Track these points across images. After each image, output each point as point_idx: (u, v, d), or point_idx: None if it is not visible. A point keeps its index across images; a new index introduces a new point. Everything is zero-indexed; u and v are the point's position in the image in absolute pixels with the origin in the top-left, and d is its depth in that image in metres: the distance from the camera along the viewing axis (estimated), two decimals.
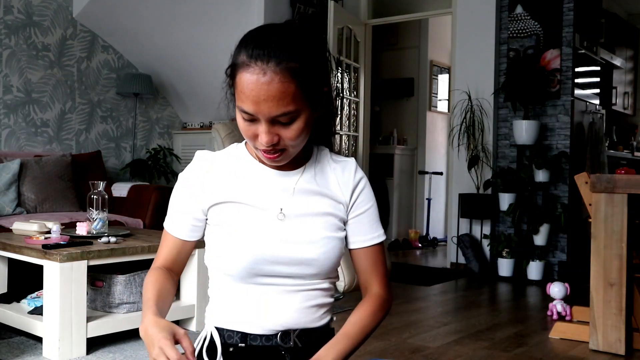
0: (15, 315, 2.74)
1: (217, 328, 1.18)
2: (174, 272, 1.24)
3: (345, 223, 1.22)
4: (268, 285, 1.14)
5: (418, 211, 7.13)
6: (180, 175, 1.23)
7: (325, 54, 1.14)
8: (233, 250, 1.14)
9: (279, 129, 1.08)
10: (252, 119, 1.08)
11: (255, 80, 1.04)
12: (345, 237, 1.23)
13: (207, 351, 1.17)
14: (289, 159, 1.14)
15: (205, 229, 1.22)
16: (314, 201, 1.18)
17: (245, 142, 1.25)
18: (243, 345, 1.15)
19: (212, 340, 1.18)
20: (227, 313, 1.17)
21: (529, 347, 2.89)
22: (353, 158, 1.27)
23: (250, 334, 1.15)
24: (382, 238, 1.25)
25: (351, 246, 1.23)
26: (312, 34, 1.12)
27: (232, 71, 1.09)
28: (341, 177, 1.22)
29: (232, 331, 1.16)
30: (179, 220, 1.21)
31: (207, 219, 1.20)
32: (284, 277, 1.14)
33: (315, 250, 1.15)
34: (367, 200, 1.23)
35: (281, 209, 1.16)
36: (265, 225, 1.15)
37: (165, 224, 1.24)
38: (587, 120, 5.10)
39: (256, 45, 1.05)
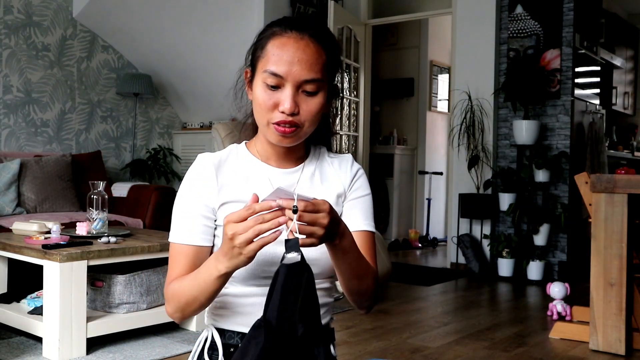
0: (15, 315, 2.74)
1: (217, 329, 1.18)
2: None
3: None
4: (266, 286, 1.14)
5: (418, 211, 7.13)
6: (184, 180, 1.19)
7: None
8: None
9: (301, 100, 1.11)
10: (278, 85, 1.10)
11: (292, 43, 1.09)
12: None
13: (208, 352, 1.17)
14: (299, 140, 1.15)
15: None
16: (316, 197, 1.18)
17: (245, 142, 1.25)
18: None
19: (213, 340, 1.18)
20: (227, 314, 1.17)
21: (529, 347, 2.89)
22: (350, 154, 1.29)
23: None
24: (374, 229, 1.24)
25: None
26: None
27: (260, 43, 1.13)
28: (339, 170, 1.24)
29: (233, 332, 1.16)
30: (190, 225, 1.15)
31: (215, 220, 1.17)
32: None
33: (316, 250, 1.14)
34: (363, 188, 1.25)
35: None
36: None
37: (172, 238, 1.16)
38: (587, 120, 5.10)
39: (290, 19, 1.13)
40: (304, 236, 0.97)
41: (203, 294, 1.07)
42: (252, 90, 1.15)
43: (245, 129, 1.27)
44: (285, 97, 1.09)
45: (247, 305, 1.15)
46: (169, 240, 1.17)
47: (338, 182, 1.23)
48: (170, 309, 1.13)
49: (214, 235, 1.18)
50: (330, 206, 0.99)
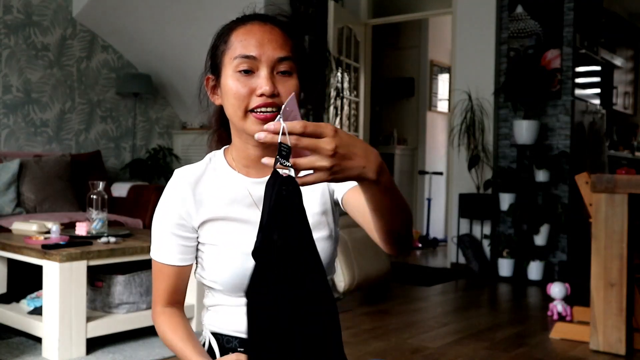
0: (15, 315, 2.73)
1: (216, 333, 1.17)
2: (179, 303, 1.18)
3: (334, 204, 1.17)
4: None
5: (418, 211, 7.12)
6: (162, 198, 1.15)
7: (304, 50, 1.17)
8: (221, 269, 1.11)
9: (278, 82, 1.06)
10: (251, 69, 1.06)
11: (258, 27, 1.08)
12: (338, 210, 1.17)
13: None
14: None
15: (196, 248, 1.16)
16: None
17: (224, 149, 1.20)
18: (242, 349, 1.14)
19: (210, 345, 1.17)
20: (224, 321, 1.16)
21: (529, 347, 2.89)
22: None
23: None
24: None
25: (344, 194, 1.13)
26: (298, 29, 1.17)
27: (222, 39, 1.11)
28: None
29: (231, 336, 1.15)
30: (168, 246, 1.13)
31: (197, 237, 1.14)
32: None
33: None
34: None
35: None
36: (246, 239, 1.11)
37: (152, 254, 1.16)
38: (588, 120, 5.09)
39: (249, 14, 1.11)
40: (310, 171, 0.80)
41: None
42: (221, 90, 1.11)
43: (214, 140, 1.23)
44: (262, 79, 1.05)
45: (242, 312, 1.13)
46: (150, 255, 1.17)
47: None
48: (156, 329, 1.18)
49: (197, 250, 1.16)
50: (337, 130, 0.81)
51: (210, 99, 1.16)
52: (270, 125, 0.79)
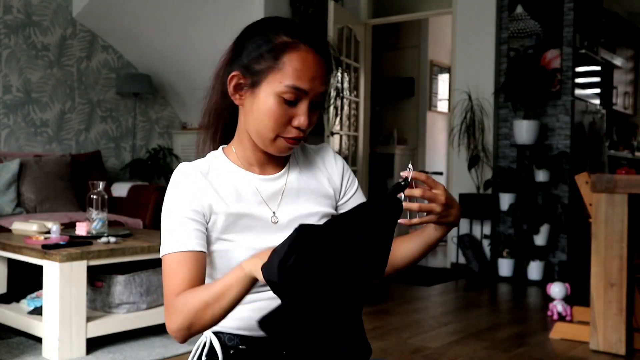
0: (15, 315, 2.73)
1: (217, 332, 1.16)
2: None
3: (337, 209, 1.23)
4: (267, 291, 1.12)
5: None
6: (170, 190, 1.12)
7: None
8: (227, 265, 1.11)
9: (311, 113, 1.11)
10: (296, 101, 1.08)
11: (311, 58, 1.08)
12: None
13: (207, 354, 1.15)
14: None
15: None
16: (303, 201, 1.17)
17: (223, 148, 1.20)
18: (244, 347, 1.14)
19: (212, 345, 1.16)
20: (227, 319, 1.15)
21: (529, 347, 2.89)
22: (326, 144, 1.29)
23: (251, 337, 1.14)
24: None
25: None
26: None
27: (272, 53, 1.08)
28: (323, 166, 1.23)
29: (233, 334, 1.15)
30: (184, 232, 1.07)
31: (207, 228, 1.12)
32: None
33: None
34: (353, 179, 1.28)
35: (274, 213, 1.14)
36: (257, 235, 1.11)
37: (165, 250, 1.08)
38: (588, 120, 5.10)
39: (301, 29, 1.11)
40: (424, 214, 1.12)
41: (226, 297, 0.98)
42: (253, 100, 1.10)
43: (215, 139, 1.22)
44: (302, 112, 1.09)
45: (246, 310, 1.13)
46: (161, 255, 1.09)
47: (325, 182, 1.22)
48: (175, 324, 1.02)
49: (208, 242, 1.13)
50: (445, 187, 1.13)
51: (231, 96, 1.14)
52: (405, 173, 1.08)
